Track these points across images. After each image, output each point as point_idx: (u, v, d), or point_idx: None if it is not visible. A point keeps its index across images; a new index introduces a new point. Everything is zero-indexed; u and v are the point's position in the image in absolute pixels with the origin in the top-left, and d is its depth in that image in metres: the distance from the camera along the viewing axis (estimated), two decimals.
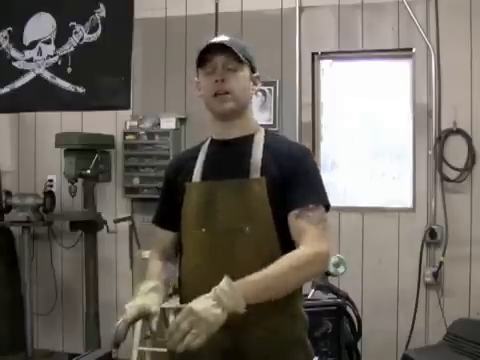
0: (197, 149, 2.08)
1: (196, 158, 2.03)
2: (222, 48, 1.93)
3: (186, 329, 1.64)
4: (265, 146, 1.97)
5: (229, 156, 1.98)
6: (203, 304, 1.67)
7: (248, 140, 1.99)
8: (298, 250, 1.84)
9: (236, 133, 2.00)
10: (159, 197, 2.16)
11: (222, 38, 1.98)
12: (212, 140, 2.06)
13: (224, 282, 1.71)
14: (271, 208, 1.89)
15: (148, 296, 1.88)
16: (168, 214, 2.07)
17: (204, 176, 1.98)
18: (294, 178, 1.91)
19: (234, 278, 1.79)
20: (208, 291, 1.77)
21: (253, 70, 2.02)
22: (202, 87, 2.00)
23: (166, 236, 2.09)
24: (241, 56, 1.93)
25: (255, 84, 2.03)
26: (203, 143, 2.09)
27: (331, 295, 3.47)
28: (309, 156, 2.01)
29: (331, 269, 3.42)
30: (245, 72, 1.98)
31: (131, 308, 1.83)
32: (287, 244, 1.91)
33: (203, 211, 1.94)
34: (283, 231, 1.90)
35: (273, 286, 1.78)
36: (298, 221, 1.87)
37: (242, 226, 1.89)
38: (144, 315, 1.83)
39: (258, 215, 1.89)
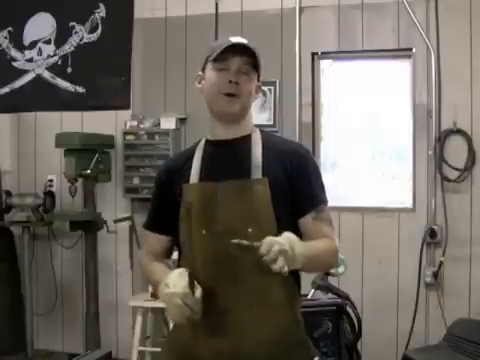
0: (190, 151, 2.04)
1: (191, 160, 1.99)
2: (241, 50, 1.91)
3: (277, 251, 1.66)
4: (263, 145, 1.96)
5: (228, 156, 1.95)
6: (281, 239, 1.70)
7: (246, 140, 1.97)
8: (328, 239, 1.91)
9: (234, 134, 1.98)
10: (151, 201, 2.10)
11: (241, 40, 1.94)
12: (207, 141, 2.02)
13: (291, 234, 1.75)
14: (273, 208, 1.88)
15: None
16: (162, 218, 2.03)
17: (202, 177, 1.94)
18: (304, 178, 1.93)
19: (236, 280, 1.82)
20: (210, 294, 1.80)
21: (258, 78, 2.02)
22: (208, 81, 1.96)
23: (158, 241, 2.04)
24: (258, 62, 1.94)
25: (256, 92, 2.03)
26: (196, 145, 2.04)
27: (331, 295, 3.47)
28: (310, 154, 2.06)
29: (331, 269, 3.41)
30: (254, 78, 1.97)
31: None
32: None
33: (203, 213, 1.90)
34: (283, 231, 1.87)
35: (315, 260, 1.85)
36: (316, 223, 1.93)
37: (245, 227, 1.86)
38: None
39: (261, 216, 1.88)
